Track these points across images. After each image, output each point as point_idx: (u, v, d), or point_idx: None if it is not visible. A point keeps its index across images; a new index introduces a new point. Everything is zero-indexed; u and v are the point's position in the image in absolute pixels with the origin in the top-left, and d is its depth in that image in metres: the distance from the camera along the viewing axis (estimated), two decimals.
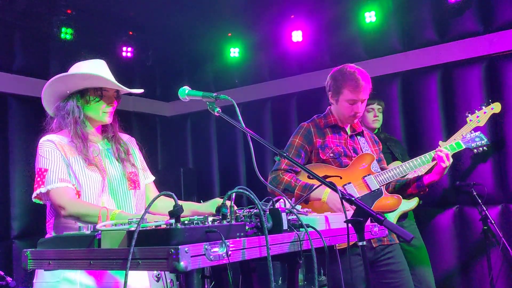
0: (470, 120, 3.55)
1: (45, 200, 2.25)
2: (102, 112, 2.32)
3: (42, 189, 2.17)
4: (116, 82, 2.30)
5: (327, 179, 2.87)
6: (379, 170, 3.07)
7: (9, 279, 3.67)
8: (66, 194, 2.16)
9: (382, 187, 3.00)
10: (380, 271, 2.96)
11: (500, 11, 4.68)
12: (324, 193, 2.86)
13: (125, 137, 2.52)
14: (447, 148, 3.02)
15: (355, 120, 3.09)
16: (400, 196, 3.02)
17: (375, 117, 4.25)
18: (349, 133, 3.11)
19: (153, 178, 2.56)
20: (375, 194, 2.97)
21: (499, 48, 4.66)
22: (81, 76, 2.25)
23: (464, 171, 4.71)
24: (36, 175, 2.22)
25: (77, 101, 2.30)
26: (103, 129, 2.43)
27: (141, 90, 2.46)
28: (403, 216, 4.06)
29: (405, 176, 3.04)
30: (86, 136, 2.30)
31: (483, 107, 3.58)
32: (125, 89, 2.33)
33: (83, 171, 2.22)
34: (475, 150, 3.55)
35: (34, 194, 2.21)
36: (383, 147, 4.15)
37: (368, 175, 2.99)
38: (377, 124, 4.29)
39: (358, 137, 3.15)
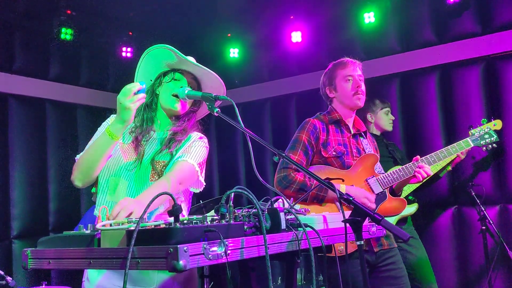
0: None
1: None
2: (172, 96, 2.25)
3: (77, 156, 2.19)
4: (182, 55, 2.24)
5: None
6: (382, 171, 3.00)
7: (8, 278, 3.67)
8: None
9: (386, 189, 2.93)
10: (381, 277, 2.90)
11: (498, 12, 4.69)
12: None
13: (194, 135, 2.31)
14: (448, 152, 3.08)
15: (360, 101, 2.97)
16: (405, 199, 2.97)
17: (391, 119, 4.39)
18: (352, 132, 3.03)
19: (190, 160, 2.16)
20: (379, 197, 2.90)
21: (498, 48, 4.67)
22: (147, 56, 2.27)
23: (463, 171, 4.72)
24: None
25: (154, 86, 2.31)
26: (175, 121, 2.32)
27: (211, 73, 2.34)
28: (403, 220, 4.07)
29: (408, 177, 2.95)
30: (151, 120, 2.28)
31: (485, 123, 3.63)
32: (186, 58, 2.27)
33: (119, 147, 2.21)
34: (484, 148, 3.57)
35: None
36: (385, 151, 4.16)
37: (372, 177, 2.91)
38: (391, 127, 4.42)
39: (361, 138, 3.07)
